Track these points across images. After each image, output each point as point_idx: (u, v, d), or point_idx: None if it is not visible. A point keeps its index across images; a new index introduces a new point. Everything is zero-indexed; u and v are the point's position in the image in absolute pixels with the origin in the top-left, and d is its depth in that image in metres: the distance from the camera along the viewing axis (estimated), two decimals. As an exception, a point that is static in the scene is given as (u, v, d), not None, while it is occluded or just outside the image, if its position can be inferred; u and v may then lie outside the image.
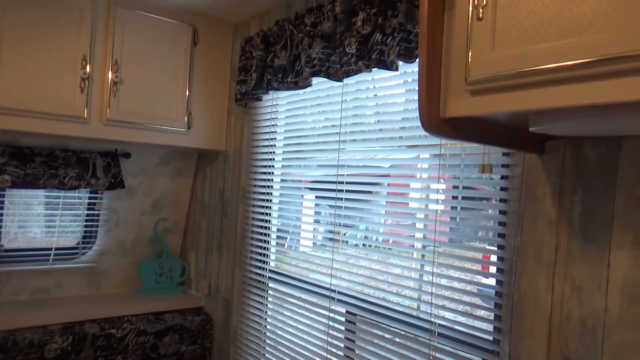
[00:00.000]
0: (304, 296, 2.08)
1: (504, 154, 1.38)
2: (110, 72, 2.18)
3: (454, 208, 1.54)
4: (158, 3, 2.30)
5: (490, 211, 1.55)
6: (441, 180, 1.56)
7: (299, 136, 2.20)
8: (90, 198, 2.63)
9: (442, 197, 1.58)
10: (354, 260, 1.87)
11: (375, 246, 1.90)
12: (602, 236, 1.15)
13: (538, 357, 1.26)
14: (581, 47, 0.76)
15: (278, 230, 2.34)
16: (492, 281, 1.44)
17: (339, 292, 1.89)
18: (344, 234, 1.94)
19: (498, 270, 1.37)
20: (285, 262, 2.28)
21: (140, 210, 2.76)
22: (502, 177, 1.38)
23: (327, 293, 1.93)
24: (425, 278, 1.58)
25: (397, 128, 1.79)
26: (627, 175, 1.11)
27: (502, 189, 1.38)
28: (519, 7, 0.85)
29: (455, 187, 1.55)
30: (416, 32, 1.50)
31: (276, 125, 2.29)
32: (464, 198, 1.50)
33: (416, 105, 1.65)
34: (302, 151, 2.17)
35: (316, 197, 2.18)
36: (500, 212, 1.38)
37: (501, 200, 1.38)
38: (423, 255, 1.68)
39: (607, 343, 1.13)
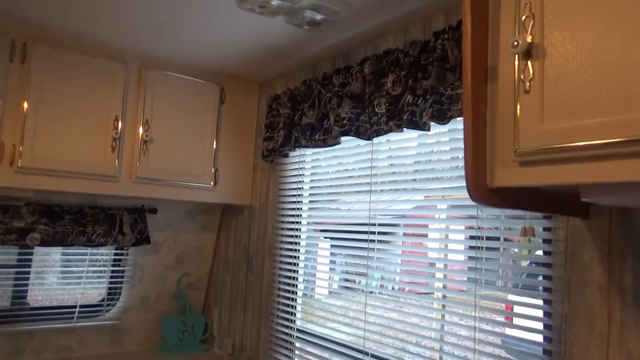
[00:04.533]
0: (333, 358, 2.01)
1: (544, 217, 1.35)
2: (141, 131, 2.22)
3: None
4: (188, 64, 2.38)
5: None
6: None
7: (326, 186, 2.20)
8: (115, 254, 2.62)
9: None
10: (383, 312, 1.81)
11: (406, 298, 1.84)
12: (657, 306, 1.10)
13: None
14: (630, 124, 0.75)
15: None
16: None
17: (373, 356, 1.82)
18: (372, 284, 1.89)
19: (545, 339, 1.31)
20: (310, 314, 2.22)
21: (164, 265, 2.75)
22: (545, 241, 1.34)
23: (359, 356, 1.86)
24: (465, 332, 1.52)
25: (440, 188, 1.75)
26: (681, 242, 1.07)
27: (545, 252, 1.34)
28: (566, 81, 0.85)
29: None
30: (448, 95, 1.51)
31: (302, 182, 2.29)
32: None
33: (455, 164, 1.64)
34: (329, 200, 2.16)
35: (340, 246, 2.15)
36: (545, 277, 1.33)
37: (544, 265, 1.34)
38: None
39: (672, 423, 1.06)
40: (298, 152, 2.29)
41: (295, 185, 2.33)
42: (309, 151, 2.27)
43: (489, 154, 0.99)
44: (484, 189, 0.98)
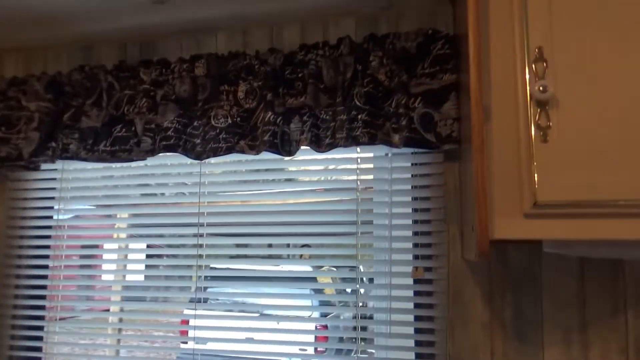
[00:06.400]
0: None
1: (421, 256, 1.34)
2: None
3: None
4: None
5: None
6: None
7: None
8: None
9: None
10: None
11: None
12: (534, 336, 1.23)
13: None
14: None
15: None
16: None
17: None
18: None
19: (427, 380, 1.29)
20: None
21: None
22: (425, 282, 1.33)
23: None
24: None
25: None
26: (549, 280, 1.24)
27: (425, 293, 1.33)
28: (584, 134, 0.85)
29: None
30: (322, 118, 1.33)
31: (63, 210, 1.61)
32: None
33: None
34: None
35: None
36: (426, 317, 1.32)
37: (425, 306, 1.32)
38: None
39: None
40: (59, 164, 1.60)
41: (46, 213, 1.61)
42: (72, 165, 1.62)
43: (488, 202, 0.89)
44: (487, 242, 0.88)
